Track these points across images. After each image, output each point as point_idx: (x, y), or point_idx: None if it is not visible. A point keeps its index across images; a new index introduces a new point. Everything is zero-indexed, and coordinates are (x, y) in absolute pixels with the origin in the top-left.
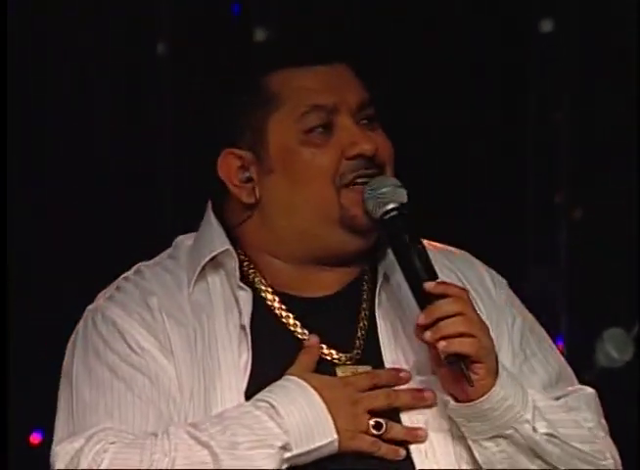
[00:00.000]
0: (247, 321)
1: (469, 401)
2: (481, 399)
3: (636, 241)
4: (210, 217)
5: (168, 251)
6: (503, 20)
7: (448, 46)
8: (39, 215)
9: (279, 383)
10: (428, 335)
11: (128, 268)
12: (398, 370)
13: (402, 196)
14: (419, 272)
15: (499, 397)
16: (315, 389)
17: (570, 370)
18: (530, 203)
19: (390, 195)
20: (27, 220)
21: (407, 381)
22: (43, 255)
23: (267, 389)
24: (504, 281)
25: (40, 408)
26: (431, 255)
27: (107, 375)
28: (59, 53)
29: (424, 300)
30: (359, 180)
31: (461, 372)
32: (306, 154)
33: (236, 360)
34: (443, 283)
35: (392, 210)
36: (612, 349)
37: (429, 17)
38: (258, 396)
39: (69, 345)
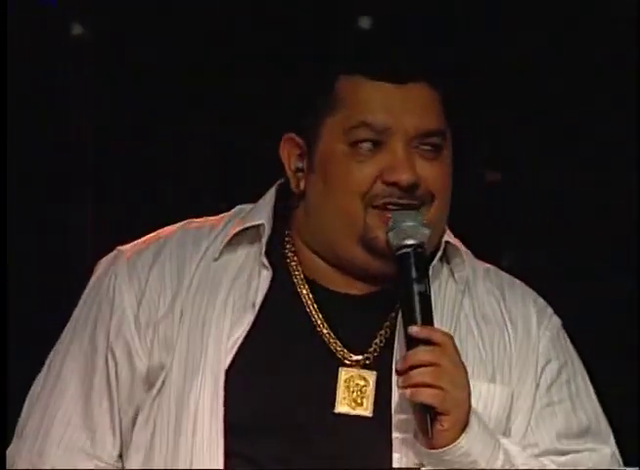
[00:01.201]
0: (259, 300)
1: (435, 449)
2: (441, 451)
3: None
4: (270, 192)
5: (225, 214)
6: None
7: None
8: None
9: None
10: (400, 381)
11: None
12: None
13: (423, 235)
14: (412, 313)
15: (461, 451)
16: None
17: (605, 427)
18: None
19: (411, 231)
20: None
21: None
22: None
23: None
24: (558, 322)
25: None
26: (485, 284)
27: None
28: None
29: (409, 343)
30: (390, 206)
31: (426, 421)
32: (346, 166)
33: (223, 338)
34: (429, 329)
35: (408, 246)
36: None
37: None
38: None
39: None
